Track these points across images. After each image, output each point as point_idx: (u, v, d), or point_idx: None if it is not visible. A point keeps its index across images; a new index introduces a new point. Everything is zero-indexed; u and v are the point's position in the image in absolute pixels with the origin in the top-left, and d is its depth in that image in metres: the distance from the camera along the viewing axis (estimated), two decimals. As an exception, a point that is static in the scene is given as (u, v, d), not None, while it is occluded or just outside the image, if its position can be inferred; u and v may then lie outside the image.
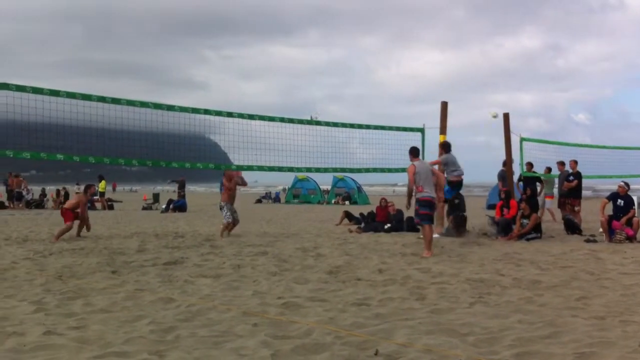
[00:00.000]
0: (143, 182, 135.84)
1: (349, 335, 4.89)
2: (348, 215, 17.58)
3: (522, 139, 14.62)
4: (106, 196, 30.00)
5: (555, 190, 16.93)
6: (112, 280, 7.64)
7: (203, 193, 67.92)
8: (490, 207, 22.68)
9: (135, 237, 13.26)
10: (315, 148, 13.13)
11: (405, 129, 14.03)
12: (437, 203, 11.29)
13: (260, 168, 12.73)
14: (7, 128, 10.66)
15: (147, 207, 28.28)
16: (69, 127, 10.84)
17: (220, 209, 13.68)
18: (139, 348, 4.53)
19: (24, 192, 28.55)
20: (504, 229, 12.89)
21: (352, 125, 13.78)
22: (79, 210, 13.28)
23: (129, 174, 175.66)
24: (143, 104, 11.49)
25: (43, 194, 31.43)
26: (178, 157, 13.12)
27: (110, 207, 27.87)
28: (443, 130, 13.76)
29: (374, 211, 16.26)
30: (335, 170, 14.40)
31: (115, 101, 11.01)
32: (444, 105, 13.94)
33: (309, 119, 12.69)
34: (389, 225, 14.86)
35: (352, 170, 15.02)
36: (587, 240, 12.04)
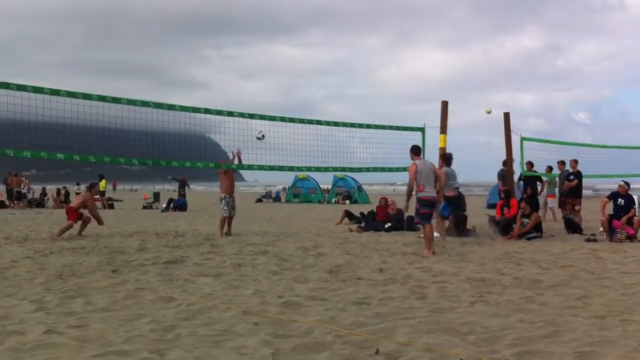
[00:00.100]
0: (143, 181, 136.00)
1: (349, 334, 4.88)
2: (348, 214, 17.58)
3: (523, 139, 14.65)
4: (106, 195, 30.03)
5: (557, 190, 16.93)
6: (113, 279, 7.65)
7: (203, 192, 67.92)
8: (491, 206, 22.66)
9: (136, 236, 13.26)
10: (315, 147, 13.13)
11: (405, 129, 14.01)
12: (438, 204, 11.28)
13: (261, 167, 12.73)
14: (7, 127, 10.66)
15: (147, 206, 28.28)
16: (69, 127, 10.86)
17: (220, 200, 13.71)
18: (139, 347, 4.53)
19: (25, 191, 28.51)
20: (504, 228, 12.89)
21: (352, 125, 13.78)
22: (83, 210, 13.46)
23: (130, 173, 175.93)
24: (144, 104, 11.49)
25: (43, 193, 31.45)
26: (178, 156, 13.15)
27: (111, 206, 27.86)
28: (443, 129, 13.74)
29: (375, 210, 16.26)
30: (335, 169, 14.39)
31: (116, 100, 11.02)
32: (445, 105, 13.92)
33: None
34: (389, 224, 14.88)
35: (352, 170, 15.00)
36: (588, 240, 12.04)
